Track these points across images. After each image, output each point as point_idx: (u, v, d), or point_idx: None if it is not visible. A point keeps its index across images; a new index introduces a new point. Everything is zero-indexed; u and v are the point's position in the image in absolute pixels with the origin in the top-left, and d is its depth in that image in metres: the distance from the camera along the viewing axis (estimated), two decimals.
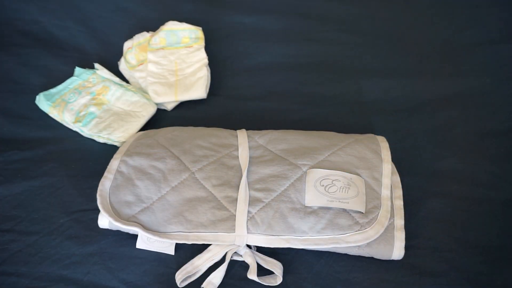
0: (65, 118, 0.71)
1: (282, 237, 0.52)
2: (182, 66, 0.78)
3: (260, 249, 0.54)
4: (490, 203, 0.59)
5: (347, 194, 0.53)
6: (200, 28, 0.81)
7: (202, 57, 0.78)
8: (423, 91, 0.76)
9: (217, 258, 0.52)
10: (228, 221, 0.53)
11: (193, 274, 0.52)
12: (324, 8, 0.91)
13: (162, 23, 0.82)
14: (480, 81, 0.76)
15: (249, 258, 0.52)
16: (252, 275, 0.51)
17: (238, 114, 0.73)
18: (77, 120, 0.70)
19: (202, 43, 0.80)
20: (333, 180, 0.54)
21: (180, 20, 0.81)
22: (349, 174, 0.55)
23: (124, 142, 0.69)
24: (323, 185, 0.54)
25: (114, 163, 0.60)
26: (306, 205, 0.53)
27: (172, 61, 0.78)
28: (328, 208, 0.53)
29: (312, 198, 0.53)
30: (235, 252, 0.53)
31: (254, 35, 0.87)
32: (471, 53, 0.80)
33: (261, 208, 0.53)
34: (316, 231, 0.52)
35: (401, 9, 0.90)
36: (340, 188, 0.54)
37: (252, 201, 0.54)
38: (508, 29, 0.82)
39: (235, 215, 0.53)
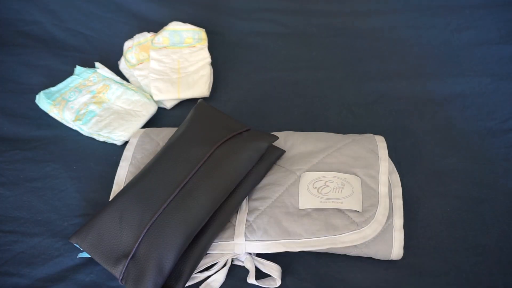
0: (65, 116, 0.71)
1: (279, 242, 0.52)
2: (184, 64, 0.78)
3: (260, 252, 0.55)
4: (490, 202, 0.59)
5: (340, 194, 0.53)
6: (203, 30, 0.82)
7: (205, 56, 0.79)
8: (423, 91, 0.76)
9: (218, 265, 0.53)
10: (228, 231, 0.54)
11: (192, 279, 0.52)
12: (324, 12, 0.91)
13: (162, 24, 0.83)
14: (480, 80, 0.76)
15: (249, 263, 0.53)
16: (251, 279, 0.51)
17: (237, 115, 0.74)
18: (77, 118, 0.70)
19: (205, 43, 0.80)
20: (326, 181, 0.55)
21: (182, 21, 0.82)
22: (343, 174, 0.56)
23: (124, 140, 0.69)
24: (315, 187, 0.54)
25: (122, 173, 0.61)
26: (300, 208, 0.54)
27: (174, 59, 0.78)
28: (322, 209, 0.53)
29: (305, 200, 0.54)
30: (236, 258, 0.54)
31: (256, 38, 0.87)
32: (470, 53, 0.80)
33: (257, 215, 0.54)
34: (311, 232, 0.52)
35: (401, 11, 0.90)
36: (333, 188, 0.54)
37: (250, 211, 0.55)
38: (507, 29, 0.82)
39: (234, 225, 0.54)
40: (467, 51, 0.81)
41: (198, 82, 0.76)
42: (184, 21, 0.82)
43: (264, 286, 0.51)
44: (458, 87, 0.76)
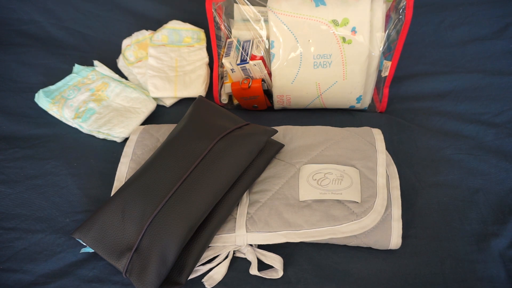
0: (65, 114, 0.71)
1: (279, 233, 0.53)
2: (182, 63, 0.79)
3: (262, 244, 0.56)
4: (484, 192, 0.60)
5: (339, 185, 0.55)
6: (203, 30, 0.82)
7: (203, 56, 0.79)
8: (418, 87, 0.77)
9: (220, 258, 0.53)
10: (229, 223, 0.54)
11: (195, 271, 0.53)
12: None
13: (160, 22, 0.83)
14: (472, 76, 0.77)
15: (251, 255, 0.53)
16: (253, 270, 0.52)
17: (235, 113, 0.74)
18: (76, 116, 0.71)
19: (203, 43, 0.81)
20: (326, 173, 0.56)
21: (180, 20, 0.82)
22: (342, 166, 0.57)
23: (124, 137, 0.69)
24: (315, 179, 0.56)
25: (123, 169, 0.62)
26: (300, 200, 0.55)
27: (172, 57, 0.79)
28: (322, 201, 0.54)
29: (305, 192, 0.55)
30: (238, 250, 0.54)
31: None
32: (463, 49, 0.82)
33: (258, 208, 0.55)
34: (312, 223, 0.53)
35: None
36: (332, 180, 0.55)
37: (251, 203, 0.56)
38: (499, 26, 0.83)
39: (235, 218, 0.55)
40: (460, 47, 0.82)
41: (195, 82, 0.77)
42: (182, 20, 0.83)
43: (267, 277, 0.52)
44: (451, 83, 0.77)
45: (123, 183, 0.58)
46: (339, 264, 0.54)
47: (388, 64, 0.68)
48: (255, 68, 0.68)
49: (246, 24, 0.70)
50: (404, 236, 0.54)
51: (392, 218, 0.54)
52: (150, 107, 0.74)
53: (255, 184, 0.58)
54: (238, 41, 0.70)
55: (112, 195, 0.58)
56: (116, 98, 0.74)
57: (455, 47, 0.82)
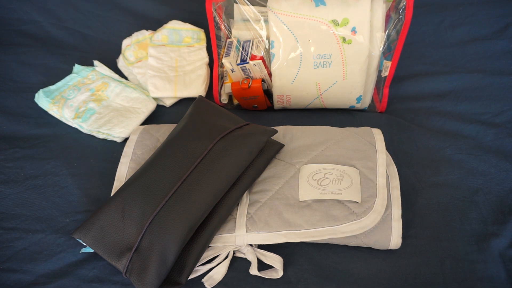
0: (65, 114, 0.71)
1: (279, 233, 0.53)
2: (182, 63, 0.79)
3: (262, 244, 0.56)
4: (484, 192, 0.60)
5: (339, 185, 0.55)
6: (203, 30, 0.82)
7: (203, 56, 0.80)
8: (418, 87, 0.78)
9: (220, 258, 0.53)
10: (229, 223, 0.54)
11: (195, 271, 0.53)
12: None
13: (160, 22, 0.83)
14: (472, 76, 0.78)
15: (251, 255, 0.53)
16: (253, 270, 0.52)
17: (235, 113, 0.75)
18: (76, 116, 0.71)
19: (203, 43, 0.81)
20: (326, 173, 0.56)
21: (180, 20, 0.82)
22: (342, 166, 0.57)
23: (123, 137, 0.69)
24: (315, 179, 0.56)
25: (123, 169, 0.62)
26: (300, 200, 0.55)
27: (172, 57, 0.79)
28: (322, 201, 0.54)
29: (305, 192, 0.55)
30: (238, 250, 0.54)
31: None
32: (463, 49, 0.82)
33: (258, 208, 0.55)
34: (312, 223, 0.53)
35: None
36: (332, 180, 0.55)
37: (251, 203, 0.56)
38: (499, 26, 0.83)
39: (235, 218, 0.55)
40: (460, 47, 0.82)
41: (195, 81, 0.77)
42: (182, 20, 0.83)
43: (267, 277, 0.52)
44: (451, 83, 0.77)
45: (123, 183, 0.58)
46: (339, 264, 0.54)
47: (388, 64, 0.68)
48: (255, 68, 0.68)
49: (246, 24, 0.70)
50: (404, 236, 0.54)
51: (392, 218, 0.54)
52: (150, 107, 0.74)
53: (255, 184, 0.58)
54: (238, 41, 0.70)
55: (112, 195, 0.58)
56: (116, 98, 0.74)
57: (455, 47, 0.82)
